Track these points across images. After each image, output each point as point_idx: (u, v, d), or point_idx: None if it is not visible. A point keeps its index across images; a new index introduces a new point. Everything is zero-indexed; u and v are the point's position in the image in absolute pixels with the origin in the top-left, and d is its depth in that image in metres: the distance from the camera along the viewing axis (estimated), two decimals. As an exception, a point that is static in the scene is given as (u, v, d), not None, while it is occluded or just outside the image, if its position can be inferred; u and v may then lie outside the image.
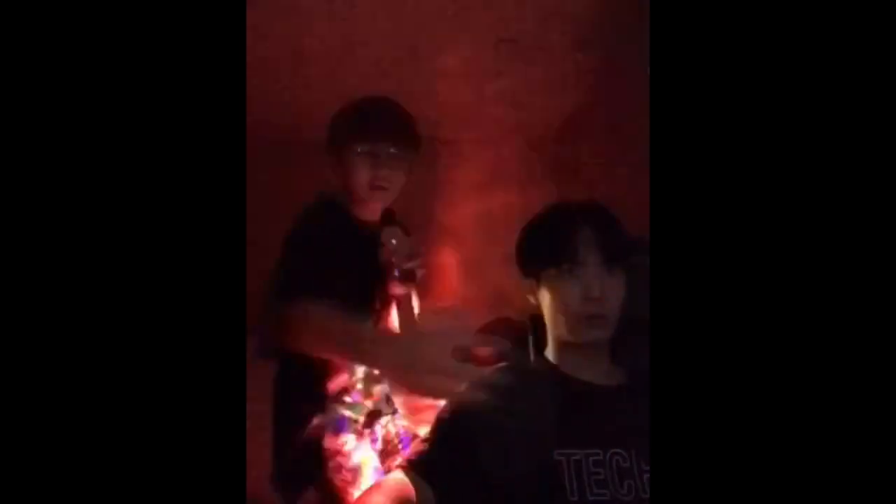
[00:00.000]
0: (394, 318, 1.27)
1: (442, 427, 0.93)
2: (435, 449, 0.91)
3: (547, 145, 3.01)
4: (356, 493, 1.14)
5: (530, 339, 1.21)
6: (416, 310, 1.32)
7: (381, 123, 1.24)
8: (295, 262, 1.18)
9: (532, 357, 1.20)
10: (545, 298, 0.97)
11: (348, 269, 1.17)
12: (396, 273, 1.22)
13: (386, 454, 1.27)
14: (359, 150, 1.21)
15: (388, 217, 1.31)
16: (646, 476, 0.85)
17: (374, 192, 1.23)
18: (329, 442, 1.20)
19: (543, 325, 1.01)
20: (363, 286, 1.22)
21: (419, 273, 1.24)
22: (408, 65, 2.32)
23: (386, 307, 1.26)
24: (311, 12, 2.00)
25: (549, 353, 1.01)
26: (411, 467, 0.88)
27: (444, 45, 2.20)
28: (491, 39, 2.17)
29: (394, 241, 1.21)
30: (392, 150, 1.23)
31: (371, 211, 1.29)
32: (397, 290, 1.25)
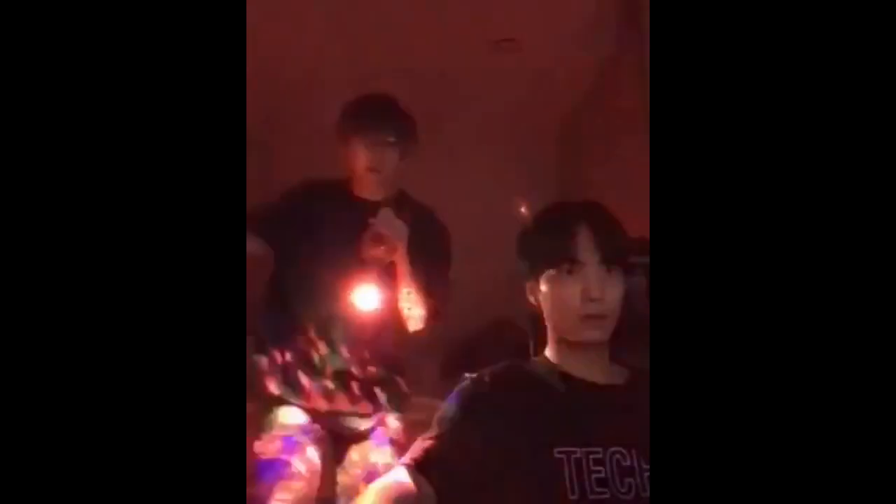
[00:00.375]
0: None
1: (442, 425, 0.93)
2: (436, 447, 0.91)
3: (547, 145, 3.01)
4: None
5: (530, 338, 1.21)
6: (406, 276, 1.46)
7: (379, 116, 1.47)
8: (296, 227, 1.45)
9: (532, 356, 1.20)
10: (545, 298, 0.97)
11: (342, 235, 1.42)
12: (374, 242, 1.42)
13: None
14: (358, 138, 1.45)
15: (392, 200, 1.50)
16: (646, 474, 0.85)
17: (369, 173, 1.47)
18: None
19: (543, 324, 1.01)
20: (352, 250, 1.43)
21: (390, 240, 1.41)
22: (407, 64, 2.32)
23: (369, 267, 1.44)
24: (310, 9, 2.00)
25: (549, 352, 1.01)
26: (412, 465, 0.88)
27: (444, 44, 2.20)
28: (491, 39, 2.18)
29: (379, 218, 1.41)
30: (388, 139, 1.47)
31: (369, 191, 1.51)
32: (371, 252, 1.42)
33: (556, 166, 3.04)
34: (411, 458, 0.90)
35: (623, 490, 0.84)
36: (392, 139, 1.47)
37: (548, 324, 1.00)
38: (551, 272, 0.94)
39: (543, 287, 0.96)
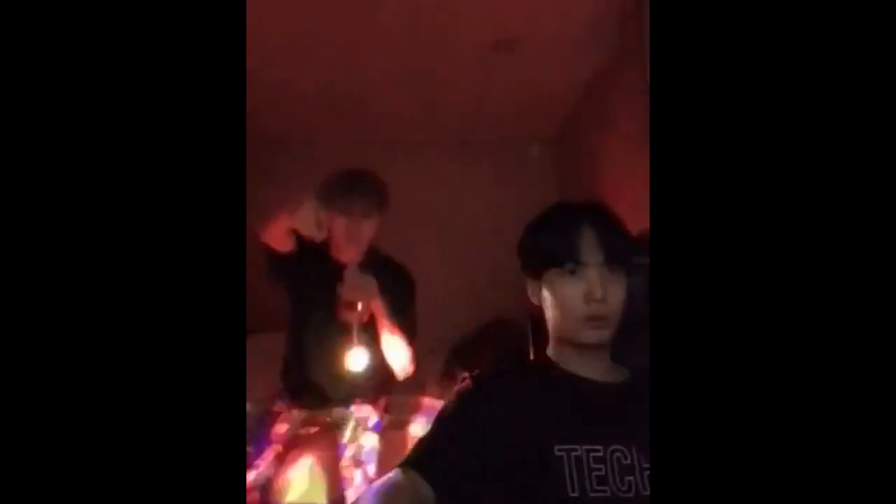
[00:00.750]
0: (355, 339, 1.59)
1: (442, 424, 0.93)
2: (435, 446, 0.91)
3: (548, 145, 3.02)
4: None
5: (530, 338, 1.21)
6: (386, 324, 1.60)
7: (358, 190, 1.60)
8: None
9: (533, 355, 1.20)
10: (546, 298, 0.97)
11: (324, 299, 1.60)
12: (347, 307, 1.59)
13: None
14: (339, 209, 1.58)
15: (364, 260, 1.64)
16: (646, 472, 0.85)
17: (348, 242, 1.60)
18: None
19: (544, 324, 1.01)
20: (331, 313, 1.62)
21: (360, 304, 1.57)
22: (407, 65, 2.32)
23: (347, 329, 1.60)
24: (310, 11, 2.00)
25: (550, 352, 1.01)
26: (412, 465, 0.89)
27: (443, 45, 2.20)
28: (490, 40, 2.17)
29: (350, 280, 1.56)
30: (366, 211, 1.60)
31: (346, 254, 1.63)
32: (344, 316, 1.60)
33: (556, 166, 3.04)
34: (411, 458, 0.90)
35: (623, 488, 0.84)
36: (371, 212, 1.62)
37: (549, 324, 1.00)
38: (553, 272, 0.94)
39: (545, 287, 0.96)
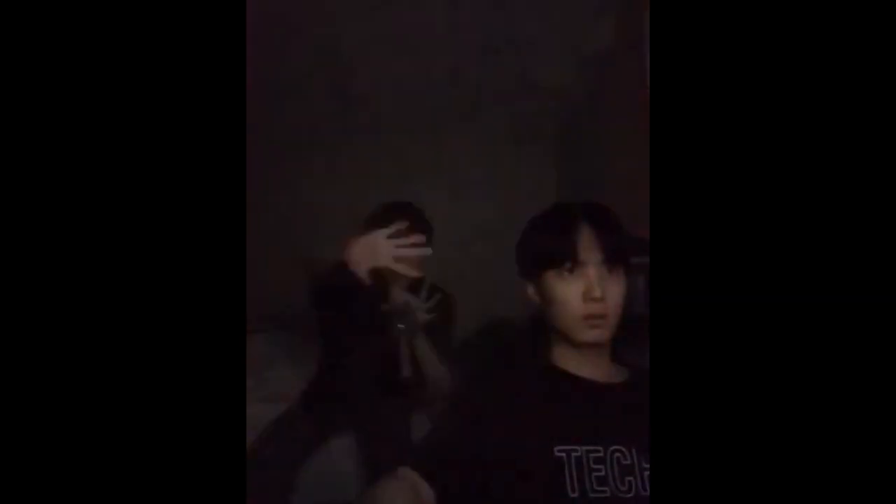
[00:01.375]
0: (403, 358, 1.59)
1: (442, 425, 0.93)
2: (435, 447, 0.91)
3: (547, 145, 3.01)
4: None
5: (530, 338, 1.21)
6: (423, 352, 1.59)
7: (402, 215, 1.58)
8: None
9: (533, 355, 1.20)
10: (546, 298, 0.97)
11: (370, 329, 1.57)
12: (398, 323, 1.59)
13: None
14: (384, 238, 1.54)
15: (410, 285, 1.64)
16: (646, 473, 0.85)
17: (395, 272, 1.54)
18: None
19: (543, 324, 1.01)
20: (379, 339, 1.60)
21: (418, 319, 1.56)
22: (409, 66, 2.32)
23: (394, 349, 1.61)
24: (311, 12, 2.00)
25: (550, 352, 1.01)
26: (412, 465, 0.89)
27: (444, 45, 2.20)
28: (491, 40, 2.18)
29: (407, 299, 1.58)
30: (410, 239, 1.56)
31: (394, 287, 1.61)
32: (395, 331, 1.60)
33: (556, 166, 3.04)
34: (411, 458, 0.90)
35: (623, 488, 0.84)
36: (415, 239, 1.62)
37: (548, 324, 1.00)
38: (552, 272, 0.94)
39: (544, 287, 0.96)
